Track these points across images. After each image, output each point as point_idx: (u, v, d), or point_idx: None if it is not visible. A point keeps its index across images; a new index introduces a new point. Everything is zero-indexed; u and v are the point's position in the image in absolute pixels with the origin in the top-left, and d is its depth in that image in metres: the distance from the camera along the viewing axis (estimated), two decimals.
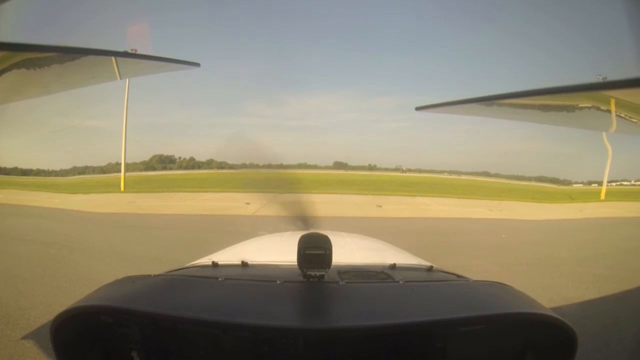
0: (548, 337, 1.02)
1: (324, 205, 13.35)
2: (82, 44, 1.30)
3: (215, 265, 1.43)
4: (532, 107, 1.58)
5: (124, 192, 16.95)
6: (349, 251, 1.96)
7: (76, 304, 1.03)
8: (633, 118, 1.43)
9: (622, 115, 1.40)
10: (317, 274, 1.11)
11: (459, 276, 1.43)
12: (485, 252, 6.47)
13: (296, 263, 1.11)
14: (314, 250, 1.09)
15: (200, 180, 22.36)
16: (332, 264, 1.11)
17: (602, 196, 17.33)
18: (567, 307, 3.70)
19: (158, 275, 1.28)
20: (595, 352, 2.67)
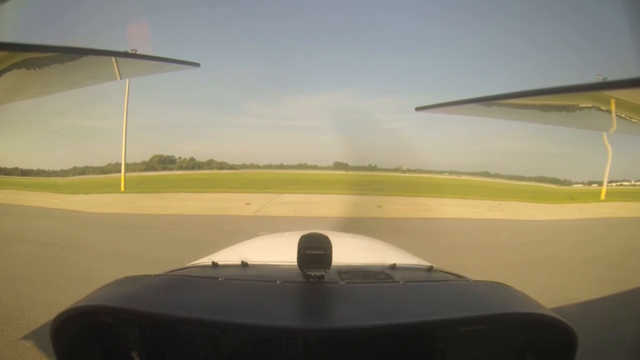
0: (548, 337, 1.02)
1: (324, 205, 13.36)
2: (82, 44, 1.31)
3: (215, 265, 1.43)
4: (532, 107, 1.59)
5: (124, 192, 16.94)
6: (349, 251, 1.96)
7: (76, 304, 1.03)
8: (633, 118, 1.44)
9: (622, 115, 1.40)
10: (317, 274, 1.11)
11: (458, 276, 1.43)
12: (485, 252, 6.47)
13: (296, 263, 1.11)
14: (314, 251, 1.09)
15: (200, 181, 22.35)
16: (332, 264, 1.11)
17: (602, 196, 17.31)
18: (567, 307, 3.70)
19: (158, 275, 1.27)
20: (595, 352, 2.67)
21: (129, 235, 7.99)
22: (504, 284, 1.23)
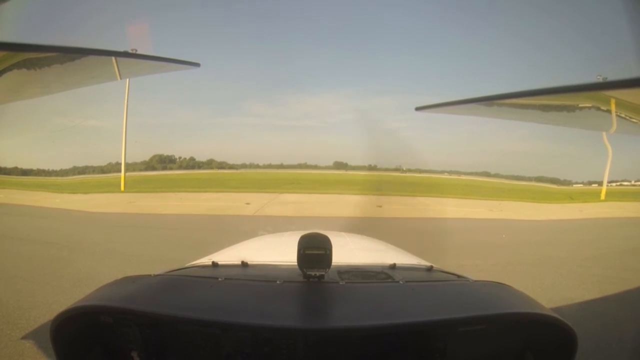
0: (548, 337, 1.02)
1: (324, 205, 13.37)
2: (82, 44, 1.31)
3: (215, 265, 1.43)
4: (532, 107, 1.59)
5: (124, 192, 16.93)
6: (349, 251, 1.96)
7: (76, 304, 1.03)
8: (633, 118, 1.44)
9: (622, 115, 1.40)
10: (317, 274, 1.11)
11: (458, 276, 1.43)
12: (485, 252, 6.47)
13: (296, 263, 1.11)
14: (314, 250, 1.09)
15: (200, 180, 22.35)
16: (332, 264, 1.11)
17: (602, 196, 17.31)
18: (567, 307, 3.70)
19: (158, 275, 1.27)
20: (595, 352, 2.67)
21: (129, 235, 7.99)
22: (504, 284, 1.23)
